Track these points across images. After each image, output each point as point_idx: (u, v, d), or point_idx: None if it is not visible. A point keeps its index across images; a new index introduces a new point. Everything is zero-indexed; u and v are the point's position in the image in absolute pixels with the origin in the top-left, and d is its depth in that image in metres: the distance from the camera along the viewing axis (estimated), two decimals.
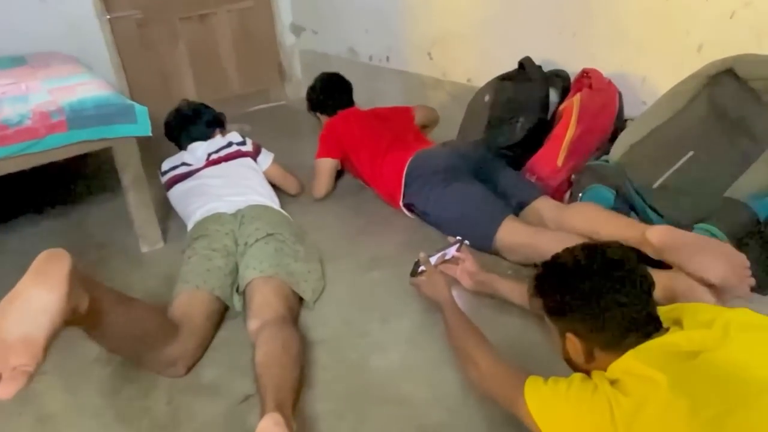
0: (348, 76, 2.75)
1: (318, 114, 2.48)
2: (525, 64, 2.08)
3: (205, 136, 2.10)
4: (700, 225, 1.40)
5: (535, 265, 1.56)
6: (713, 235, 1.37)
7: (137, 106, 1.78)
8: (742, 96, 1.49)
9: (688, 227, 1.40)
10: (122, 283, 1.77)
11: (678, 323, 1.01)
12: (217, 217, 1.70)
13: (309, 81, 3.69)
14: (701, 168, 1.52)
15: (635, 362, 0.93)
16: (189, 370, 1.36)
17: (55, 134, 1.67)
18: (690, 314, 1.04)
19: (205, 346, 1.41)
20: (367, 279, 1.71)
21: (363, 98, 2.64)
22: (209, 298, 1.44)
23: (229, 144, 2.06)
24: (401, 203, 2.01)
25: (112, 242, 2.07)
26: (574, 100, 1.84)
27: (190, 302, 1.41)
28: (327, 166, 2.23)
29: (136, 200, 1.89)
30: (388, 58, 2.94)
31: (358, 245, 1.90)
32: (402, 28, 2.78)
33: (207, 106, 2.23)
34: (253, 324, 1.33)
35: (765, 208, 1.41)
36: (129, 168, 1.84)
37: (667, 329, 1.00)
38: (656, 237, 1.27)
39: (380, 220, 2.07)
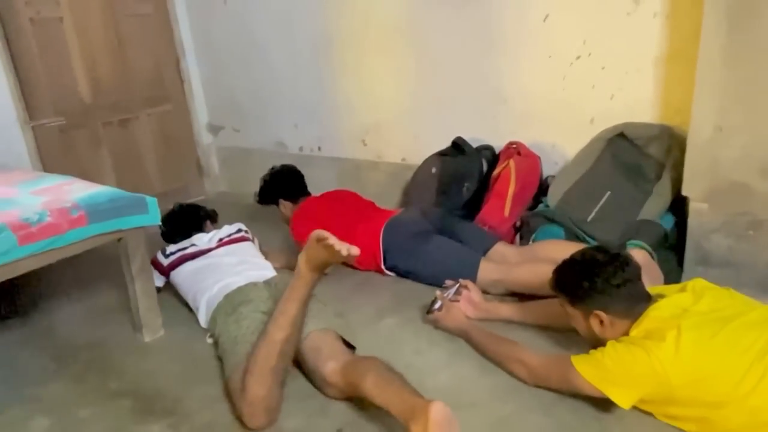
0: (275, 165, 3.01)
1: (280, 200, 2.66)
2: (459, 142, 2.60)
3: (201, 229, 2.27)
4: (632, 242, 1.93)
5: (514, 294, 1.98)
6: (642, 247, 1.91)
7: (148, 198, 1.89)
8: (632, 150, 2.12)
9: (622, 245, 1.93)
10: (139, 373, 1.79)
11: (659, 296, 1.46)
12: (252, 286, 1.83)
13: (228, 175, 3.91)
14: (617, 203, 2.09)
15: (655, 320, 1.35)
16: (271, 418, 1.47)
17: (76, 229, 1.70)
18: (664, 289, 1.51)
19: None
20: (383, 325, 1.95)
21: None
22: None
23: (238, 230, 2.25)
24: (383, 267, 2.30)
25: (99, 341, 2.02)
26: (510, 165, 2.36)
27: None
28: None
29: (142, 289, 1.93)
30: (319, 148, 3.30)
31: (357, 303, 2.13)
32: (333, 121, 3.18)
33: (201, 208, 2.44)
34: (331, 365, 1.50)
35: (667, 223, 2.00)
36: (137, 257, 1.90)
37: (656, 299, 1.44)
38: (642, 259, 1.72)
39: (362, 281, 2.33)
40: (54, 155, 3.05)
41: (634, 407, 1.38)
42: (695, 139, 1.89)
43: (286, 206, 2.65)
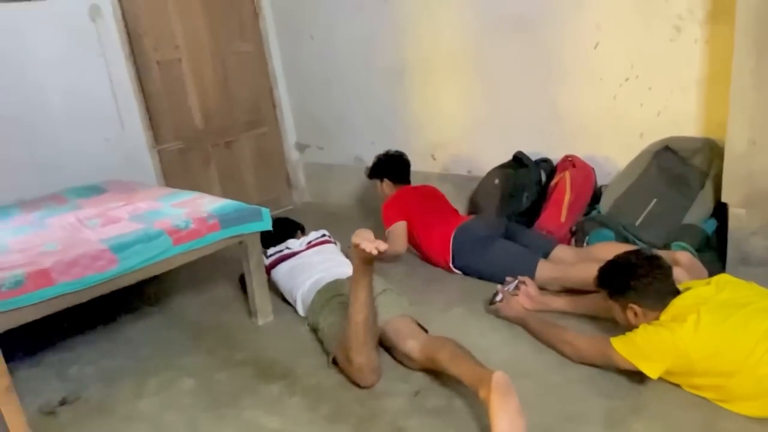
0: (355, 179, 3.43)
1: (384, 179, 3.06)
2: (519, 156, 2.92)
3: (293, 237, 2.72)
4: (676, 243, 2.18)
5: (567, 290, 2.27)
6: (684, 248, 2.15)
7: (263, 209, 2.37)
8: (677, 161, 2.36)
9: (667, 246, 2.18)
10: (257, 348, 2.24)
11: (687, 288, 1.73)
12: (336, 282, 2.25)
13: (312, 188, 4.39)
14: (663, 209, 2.34)
15: (679, 307, 1.62)
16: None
17: (212, 233, 2.20)
18: (692, 283, 1.78)
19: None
20: (452, 314, 2.31)
21: (374, 194, 3.29)
22: None
23: (323, 235, 2.69)
24: (451, 265, 2.66)
25: (222, 324, 2.52)
26: (566, 176, 2.65)
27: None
28: (402, 228, 2.82)
29: (257, 281, 2.40)
30: None
31: (429, 295, 2.50)
32: (405, 138, 3.57)
33: (293, 221, 2.88)
34: (411, 343, 1.87)
35: (710, 227, 2.23)
36: (253, 255, 2.37)
37: (682, 291, 1.71)
38: (685, 258, 2.00)
39: (433, 277, 2.70)
40: (175, 173, 3.66)
41: (663, 380, 1.66)
42: (732, 152, 2.12)
43: (387, 185, 3.06)
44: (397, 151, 3.15)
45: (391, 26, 3.39)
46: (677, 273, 1.91)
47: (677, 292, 1.70)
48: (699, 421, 1.54)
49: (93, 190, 3.04)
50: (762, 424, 1.49)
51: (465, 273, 2.64)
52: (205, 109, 3.79)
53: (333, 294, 2.18)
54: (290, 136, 4.31)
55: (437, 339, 1.86)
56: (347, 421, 1.74)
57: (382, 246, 1.68)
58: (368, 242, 1.68)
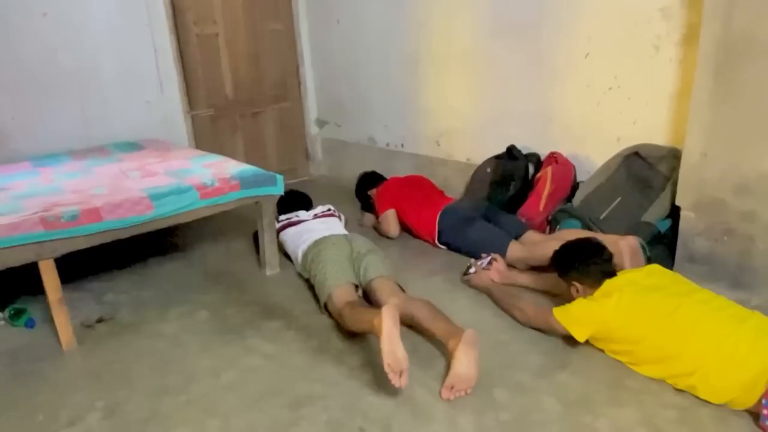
0: (367, 158, 3.82)
1: (369, 192, 3.51)
2: (511, 149, 3.23)
3: (303, 208, 3.07)
4: (631, 236, 2.49)
5: (533, 268, 2.60)
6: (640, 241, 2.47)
7: (277, 175, 2.74)
8: (644, 166, 2.66)
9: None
10: (263, 293, 2.64)
11: (623, 273, 2.06)
12: (335, 236, 2.60)
13: (328, 161, 4.77)
14: (624, 207, 2.65)
15: (610, 286, 1.96)
16: None
17: (233, 192, 2.58)
18: (630, 270, 2.11)
19: None
20: (432, 281, 2.68)
21: (383, 173, 3.68)
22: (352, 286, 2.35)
23: (329, 209, 3.04)
24: (437, 241, 3.02)
25: (235, 271, 2.92)
26: (548, 171, 2.97)
27: (345, 292, 2.30)
28: (391, 214, 3.23)
29: (269, 237, 2.79)
30: (402, 145, 4.05)
31: (416, 264, 2.87)
32: (415, 124, 3.91)
33: (305, 194, 3.22)
34: (394, 299, 2.19)
35: (663, 226, 2.54)
36: (267, 215, 2.75)
37: (617, 275, 2.04)
38: (629, 241, 2.32)
39: (422, 250, 3.07)
40: (205, 137, 4.06)
41: (591, 345, 2.00)
42: (687, 162, 2.41)
43: (374, 193, 3.45)
44: (364, 173, 3.63)
45: (411, 20, 3.69)
46: (622, 250, 2.25)
47: (613, 274, 2.04)
48: (611, 377, 1.89)
49: (133, 146, 3.47)
50: (659, 384, 1.83)
51: (449, 248, 3.00)
52: (236, 81, 4.17)
53: (324, 246, 2.52)
54: (311, 112, 4.67)
55: (416, 299, 2.22)
56: (330, 352, 2.13)
57: (405, 381, 1.76)
58: (395, 375, 1.75)
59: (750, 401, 1.65)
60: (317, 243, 2.59)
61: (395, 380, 1.73)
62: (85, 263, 2.82)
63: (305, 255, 2.63)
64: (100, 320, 2.48)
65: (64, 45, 3.38)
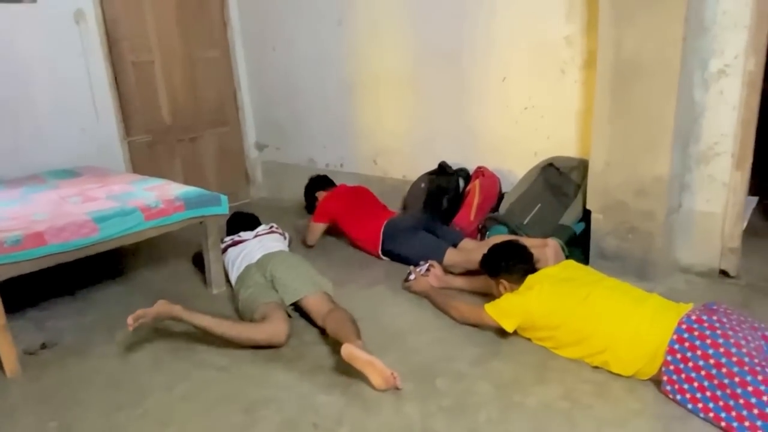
0: (307, 178, 3.95)
1: (317, 193, 3.66)
2: (443, 165, 3.49)
3: (248, 229, 3.11)
4: (552, 238, 2.77)
5: (468, 272, 2.82)
6: (557, 242, 2.75)
7: (222, 196, 2.84)
8: (558, 175, 2.97)
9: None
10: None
11: (542, 269, 2.32)
12: (268, 257, 2.68)
13: (268, 184, 4.86)
14: (544, 212, 2.94)
15: (530, 281, 2.21)
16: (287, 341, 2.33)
17: (177, 213, 2.65)
18: (550, 266, 2.37)
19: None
20: (375, 290, 2.84)
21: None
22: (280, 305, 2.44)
23: (270, 227, 3.10)
24: (380, 251, 3.20)
25: (181, 291, 2.96)
26: (476, 184, 3.24)
27: (272, 307, 2.40)
28: (318, 227, 3.44)
29: (213, 256, 2.87)
30: (342, 165, 4.24)
31: (360, 274, 3.03)
32: (352, 144, 4.11)
33: (253, 214, 3.28)
34: (320, 317, 2.35)
35: (579, 228, 2.85)
36: (212, 234, 2.83)
37: (538, 271, 2.29)
38: (551, 245, 2.59)
39: (365, 261, 3.23)
40: (143, 163, 4.07)
41: (519, 335, 2.23)
42: (593, 170, 2.74)
43: (322, 196, 3.59)
44: (315, 175, 3.83)
45: (344, 46, 3.91)
46: (547, 255, 2.51)
47: (534, 271, 2.29)
48: (537, 361, 2.12)
49: (69, 173, 3.45)
50: (577, 364, 2.07)
51: (391, 258, 3.18)
52: (174, 107, 4.23)
53: (255, 273, 2.61)
54: (250, 135, 4.77)
55: (334, 311, 2.32)
56: (280, 360, 2.23)
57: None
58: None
59: (653, 370, 1.91)
60: (241, 273, 2.66)
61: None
62: (23, 291, 2.78)
63: (240, 275, 2.70)
64: (43, 346, 2.46)
65: None
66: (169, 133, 4.23)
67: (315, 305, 2.42)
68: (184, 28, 4.18)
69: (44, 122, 3.57)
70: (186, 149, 4.36)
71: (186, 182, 4.21)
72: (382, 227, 3.20)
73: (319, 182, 3.74)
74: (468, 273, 2.83)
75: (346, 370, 2.05)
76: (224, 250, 3.01)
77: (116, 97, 3.88)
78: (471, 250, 2.90)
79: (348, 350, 1.99)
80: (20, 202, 2.80)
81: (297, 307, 2.52)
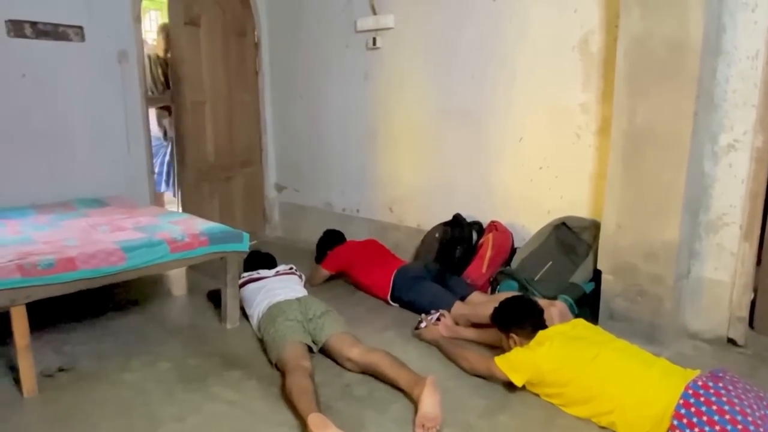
0: (324, 221, 4.09)
1: (328, 251, 3.75)
2: (457, 217, 3.59)
3: (266, 267, 3.23)
4: (561, 296, 2.83)
5: (475, 324, 2.87)
6: (566, 300, 2.81)
7: (244, 233, 2.94)
8: (570, 235, 3.06)
9: (555, 297, 2.83)
10: (224, 345, 2.76)
11: (552, 327, 2.37)
12: (287, 302, 2.78)
13: (284, 224, 5.00)
14: (555, 270, 3.01)
15: (541, 337, 2.26)
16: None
17: (201, 247, 2.75)
18: (559, 324, 2.42)
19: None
20: (385, 335, 2.89)
21: None
22: (304, 346, 2.51)
23: (290, 268, 3.22)
24: (390, 298, 3.27)
25: (196, 324, 3.03)
26: (489, 237, 3.32)
27: (298, 349, 2.47)
28: (325, 273, 3.57)
29: (231, 292, 2.94)
30: (358, 210, 4.35)
31: (370, 320, 3.08)
32: (370, 191, 4.24)
33: (270, 254, 3.39)
34: (356, 351, 2.39)
35: (589, 287, 2.91)
36: (231, 270, 2.92)
37: (548, 328, 2.34)
38: (558, 306, 2.65)
39: (375, 307, 3.29)
40: (191, 199, 4.26)
41: (528, 390, 2.26)
42: (605, 232, 2.82)
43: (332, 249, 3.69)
44: (329, 230, 3.91)
45: (368, 98, 4.11)
46: (553, 315, 2.56)
47: (544, 327, 2.34)
48: (545, 417, 2.14)
49: (97, 203, 3.59)
50: (585, 422, 2.09)
51: (400, 305, 3.24)
52: (216, 147, 4.50)
53: (280, 312, 2.68)
54: (271, 177, 4.93)
55: (377, 349, 2.42)
56: None
57: None
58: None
59: None
60: (271, 308, 2.73)
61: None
62: (41, 315, 2.85)
63: (260, 318, 2.77)
64: (60, 369, 2.52)
65: (38, 106, 3.54)
66: (211, 172, 4.43)
67: (346, 341, 2.51)
68: (228, 72, 4.45)
69: (79, 151, 3.74)
70: (222, 187, 4.55)
71: (221, 218, 4.39)
72: (393, 273, 3.27)
73: (334, 238, 3.82)
74: (473, 326, 2.87)
75: (351, 410, 2.08)
76: (243, 285, 3.09)
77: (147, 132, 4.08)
78: (478, 304, 2.95)
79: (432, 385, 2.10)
80: (51, 227, 2.92)
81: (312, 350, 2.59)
